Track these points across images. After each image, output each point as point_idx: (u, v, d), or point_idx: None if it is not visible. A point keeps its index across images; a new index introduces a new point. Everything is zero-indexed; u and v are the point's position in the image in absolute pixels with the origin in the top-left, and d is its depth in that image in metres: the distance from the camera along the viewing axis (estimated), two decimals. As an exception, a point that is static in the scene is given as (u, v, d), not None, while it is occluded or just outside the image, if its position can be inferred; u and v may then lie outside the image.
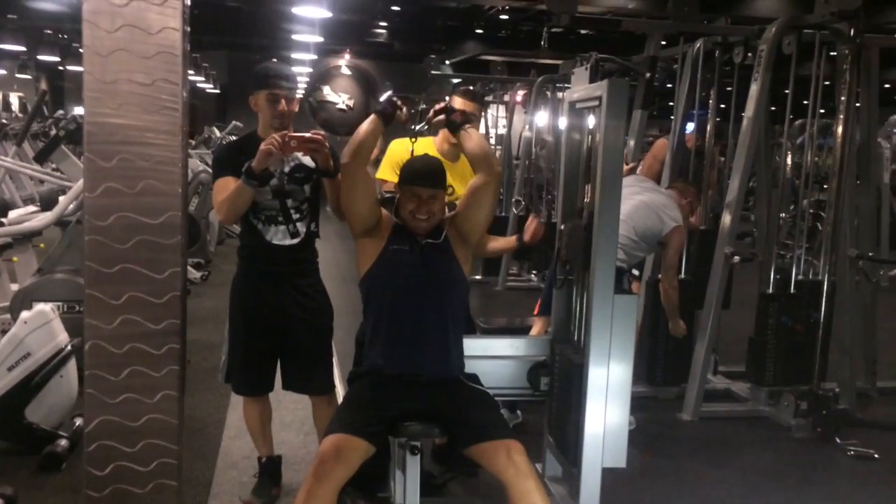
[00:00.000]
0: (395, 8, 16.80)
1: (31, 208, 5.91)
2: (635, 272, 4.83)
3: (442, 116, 2.73)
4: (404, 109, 2.70)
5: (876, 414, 4.65)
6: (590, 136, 3.01)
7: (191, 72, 15.71)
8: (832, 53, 4.38)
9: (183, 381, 2.53)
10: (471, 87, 3.77)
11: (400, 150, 3.13)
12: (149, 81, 2.34)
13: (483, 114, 5.95)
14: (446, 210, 2.74)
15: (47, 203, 5.31)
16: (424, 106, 10.45)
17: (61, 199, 5.17)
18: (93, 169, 2.35)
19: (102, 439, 2.46)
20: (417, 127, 3.14)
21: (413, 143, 2.91)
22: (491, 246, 3.19)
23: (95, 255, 2.37)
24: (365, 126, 2.62)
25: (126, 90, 2.33)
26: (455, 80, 10.73)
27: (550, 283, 3.27)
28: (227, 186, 2.77)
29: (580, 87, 2.99)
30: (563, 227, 3.11)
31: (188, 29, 2.41)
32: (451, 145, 3.16)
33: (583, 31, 15.41)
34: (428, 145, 3.18)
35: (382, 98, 2.68)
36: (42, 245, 5.63)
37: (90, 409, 2.45)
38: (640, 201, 4.12)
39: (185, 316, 2.53)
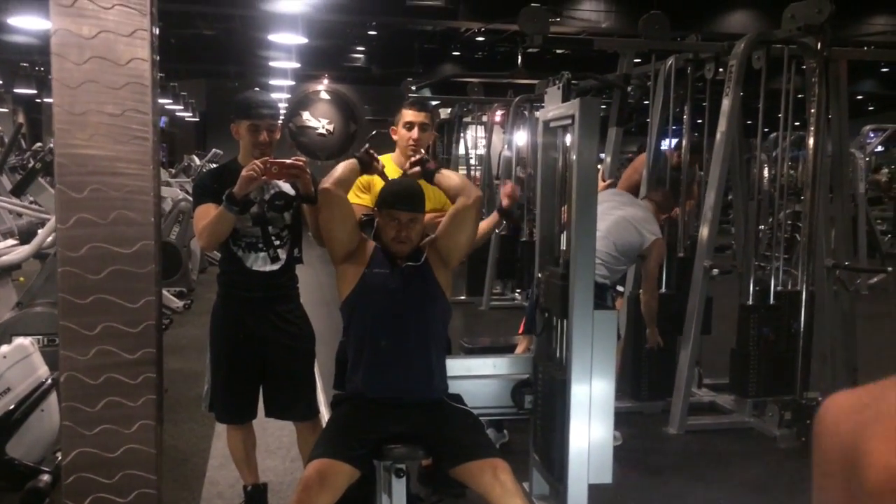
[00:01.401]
0: (372, 33, 16.93)
1: (10, 241, 5.86)
2: (619, 288, 4.86)
3: (417, 168, 2.82)
4: (380, 162, 2.84)
5: (859, 421, 4.68)
6: (564, 154, 3.05)
7: (169, 100, 15.73)
8: (803, 66, 4.45)
9: (160, 411, 2.51)
10: (420, 97, 3.94)
11: None
12: (119, 112, 2.34)
13: (436, 120, 5.93)
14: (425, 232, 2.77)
15: (26, 236, 5.27)
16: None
17: (40, 231, 5.13)
18: (64, 200, 2.35)
19: (80, 471, 2.43)
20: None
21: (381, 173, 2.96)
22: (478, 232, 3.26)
23: (69, 287, 2.36)
24: (343, 166, 2.72)
25: (96, 121, 2.34)
26: (435, 102, 10.79)
27: (534, 301, 3.30)
28: (207, 213, 2.78)
29: (553, 106, 3.03)
30: (540, 275, 3.14)
31: (157, 58, 2.43)
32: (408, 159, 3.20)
33: (558, 51, 15.61)
34: (387, 161, 3.22)
35: (360, 151, 2.81)
36: (22, 279, 5.59)
37: (67, 441, 2.42)
38: (620, 216, 4.16)
39: (161, 344, 2.52)
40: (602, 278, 3.82)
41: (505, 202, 3.26)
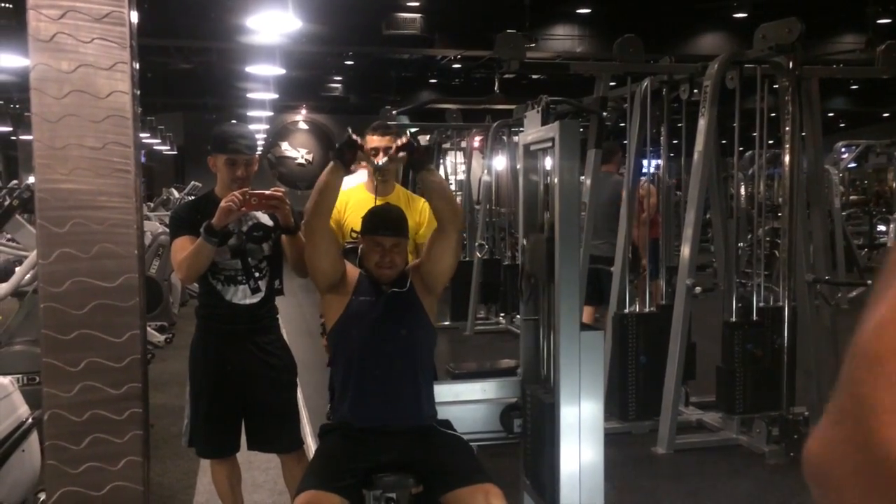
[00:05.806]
0: (349, 62, 17.02)
1: (-13, 280, 5.78)
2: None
3: (404, 154, 2.66)
4: (364, 146, 2.67)
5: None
6: (545, 177, 3.06)
7: (147, 134, 15.72)
8: (775, 86, 4.52)
9: (147, 446, 2.48)
10: (385, 122, 3.68)
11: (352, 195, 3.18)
12: (100, 145, 2.33)
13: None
14: (409, 258, 2.75)
15: (3, 274, 5.22)
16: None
17: (17, 269, 5.07)
18: (46, 235, 2.33)
19: (66, 511, 2.39)
20: (381, 162, 3.08)
21: (373, 185, 2.93)
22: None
23: (52, 323, 2.33)
24: (324, 175, 2.56)
25: (77, 155, 2.32)
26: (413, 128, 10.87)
27: None
28: (185, 246, 2.75)
29: (533, 129, 3.05)
30: (525, 241, 3.12)
31: (138, 92, 2.42)
32: (379, 182, 3.16)
33: (534, 76, 15.76)
34: (359, 190, 3.21)
35: (340, 143, 2.60)
36: (0, 317, 5.51)
37: (51, 480, 2.38)
38: None
39: (147, 379, 2.49)
40: None
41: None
